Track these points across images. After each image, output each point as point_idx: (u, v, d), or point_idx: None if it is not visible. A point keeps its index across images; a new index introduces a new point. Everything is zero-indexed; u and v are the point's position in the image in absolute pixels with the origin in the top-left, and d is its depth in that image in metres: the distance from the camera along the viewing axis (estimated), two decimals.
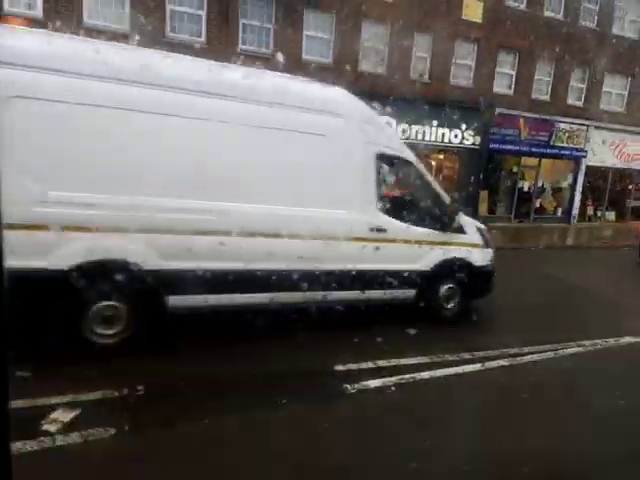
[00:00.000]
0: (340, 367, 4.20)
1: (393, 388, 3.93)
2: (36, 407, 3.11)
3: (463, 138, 16.08)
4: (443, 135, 15.75)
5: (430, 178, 6.11)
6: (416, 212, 5.73)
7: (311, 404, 3.62)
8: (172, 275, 4.16)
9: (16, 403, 2.83)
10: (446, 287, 5.85)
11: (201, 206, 4.24)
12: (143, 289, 4.11)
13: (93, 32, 11.16)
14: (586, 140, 18.49)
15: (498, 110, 16.39)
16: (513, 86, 17.01)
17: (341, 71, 13.93)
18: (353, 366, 4.24)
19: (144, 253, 4.10)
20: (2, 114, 3.48)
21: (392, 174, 6.13)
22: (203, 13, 12.44)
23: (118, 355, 3.93)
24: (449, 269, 5.77)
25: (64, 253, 3.83)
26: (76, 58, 3.89)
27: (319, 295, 4.84)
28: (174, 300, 4.31)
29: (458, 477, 2.91)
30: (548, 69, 17.47)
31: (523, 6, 16.49)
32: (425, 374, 4.22)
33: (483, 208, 17.45)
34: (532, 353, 5.00)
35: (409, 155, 5.85)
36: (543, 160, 18.14)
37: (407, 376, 4.13)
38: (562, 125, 17.87)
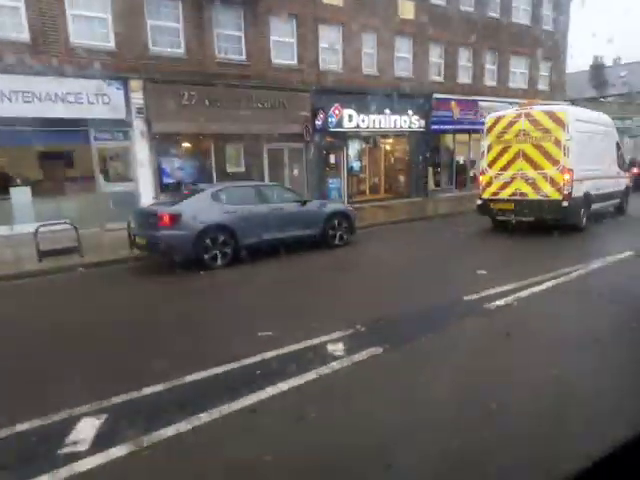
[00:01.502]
0: (472, 296, 5.70)
1: (515, 303, 5.50)
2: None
3: (411, 123, 18.17)
4: (395, 121, 17.68)
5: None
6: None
7: (473, 318, 5.06)
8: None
9: None
10: None
11: (599, 167, 10.91)
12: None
13: (78, 50, 11.29)
14: None
15: (435, 95, 18.72)
16: (443, 73, 19.46)
17: (305, 71, 15.22)
18: (475, 296, 5.75)
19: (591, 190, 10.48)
20: (572, 132, 9.72)
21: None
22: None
23: None
24: None
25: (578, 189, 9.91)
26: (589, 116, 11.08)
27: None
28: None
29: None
30: (467, 56, 20.20)
31: (443, 3, 18.89)
32: (525, 292, 5.85)
33: (431, 182, 19.84)
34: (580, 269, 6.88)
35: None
36: (472, 135, 20.97)
37: (515, 295, 5.73)
38: (483, 104, 20.78)
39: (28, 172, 11.70)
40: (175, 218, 7.81)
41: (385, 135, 18.21)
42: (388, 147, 18.95)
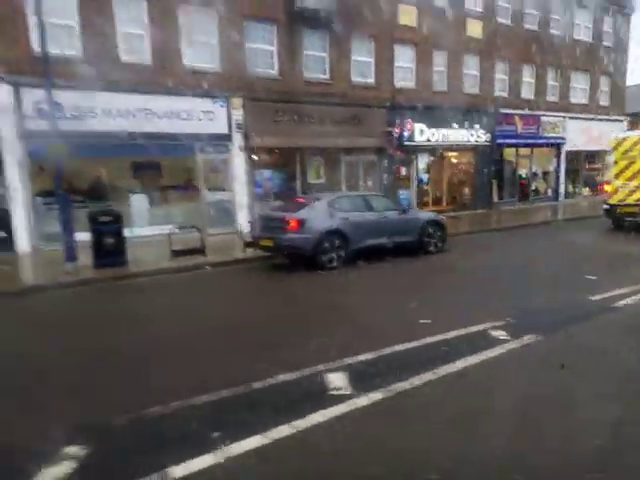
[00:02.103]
0: (596, 296, 6.38)
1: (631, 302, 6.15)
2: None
3: (477, 137, 18.82)
4: (462, 135, 18.38)
5: None
6: None
7: (607, 313, 5.74)
8: None
9: None
10: None
11: None
12: None
13: (190, 72, 12.59)
14: (563, 129, 22.02)
15: (500, 111, 19.33)
16: (507, 89, 20.06)
17: (381, 89, 16.19)
18: (599, 296, 6.42)
19: None
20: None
21: None
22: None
23: None
24: None
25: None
26: None
27: None
28: None
29: None
30: (531, 72, 20.75)
31: (509, 22, 19.57)
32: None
33: (494, 195, 20.35)
34: None
35: None
36: (534, 149, 21.42)
37: (633, 297, 6.37)
38: (545, 118, 21.22)
39: (144, 181, 13.06)
40: (301, 223, 8.81)
41: (451, 148, 18.92)
42: (454, 160, 19.63)
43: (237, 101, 13.46)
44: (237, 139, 13.70)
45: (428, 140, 17.46)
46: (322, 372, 4.17)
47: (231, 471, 2.84)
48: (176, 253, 10.22)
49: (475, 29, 18.37)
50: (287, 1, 14.04)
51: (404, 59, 16.89)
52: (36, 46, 10.98)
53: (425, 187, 18.98)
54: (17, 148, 10.94)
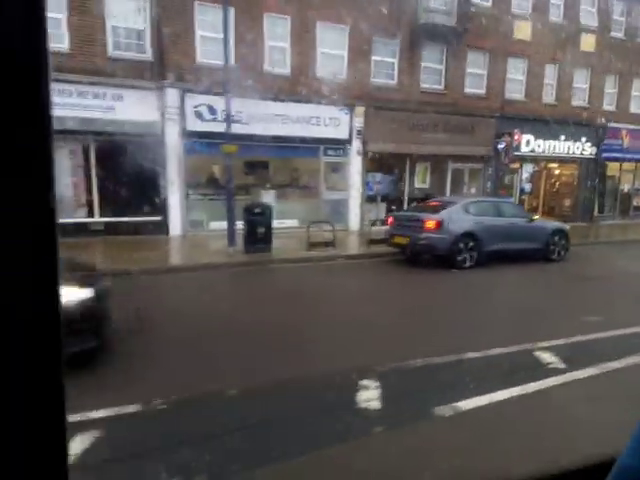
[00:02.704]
0: None
1: None
2: None
3: (583, 149, 18.71)
4: (568, 147, 18.37)
5: None
6: None
7: None
8: None
9: None
10: None
11: None
12: None
13: (321, 82, 13.70)
14: None
15: (608, 124, 19.07)
16: (615, 103, 19.72)
17: (491, 100, 16.62)
18: None
19: None
20: None
21: None
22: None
23: None
24: None
25: None
26: None
27: None
28: None
29: None
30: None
31: (622, 35, 19.26)
32: None
33: (595, 208, 20.07)
34: None
35: None
36: (639, 164, 20.83)
37: None
38: None
39: (274, 179, 14.42)
40: (439, 224, 9.60)
41: (555, 160, 18.92)
42: (556, 171, 19.61)
43: (360, 109, 14.48)
44: (356, 144, 14.73)
45: (533, 151, 17.65)
46: (531, 350, 4.95)
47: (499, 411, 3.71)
48: (311, 245, 11.36)
49: (588, 43, 18.28)
50: (411, 17, 14.90)
51: (516, 71, 17.21)
52: (199, 57, 12.63)
53: (522, 197, 19.13)
54: (178, 146, 12.57)
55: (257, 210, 10.81)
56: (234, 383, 4.07)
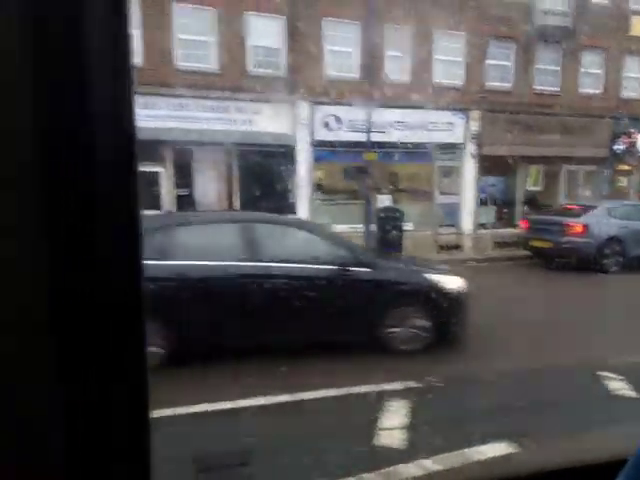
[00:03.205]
0: None
1: None
2: None
3: None
4: None
5: None
6: None
7: None
8: None
9: None
10: None
11: None
12: None
13: (437, 88, 14.06)
14: None
15: None
16: None
17: (608, 99, 16.16)
18: None
19: None
20: None
21: None
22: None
23: None
24: None
25: None
26: None
27: None
28: None
29: None
30: None
31: None
32: None
33: None
34: None
35: None
36: None
37: None
38: None
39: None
40: (584, 228, 9.65)
41: None
42: None
43: (475, 113, 14.68)
44: (470, 148, 14.92)
45: None
46: None
47: None
48: (441, 247, 11.75)
49: None
50: (527, 20, 14.88)
51: (632, 70, 16.60)
52: (328, 71, 13.45)
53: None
54: (307, 154, 13.45)
55: (389, 214, 11.38)
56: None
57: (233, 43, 12.54)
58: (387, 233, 11.23)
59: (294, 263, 4.33)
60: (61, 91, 0.44)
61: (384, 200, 14.67)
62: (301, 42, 12.95)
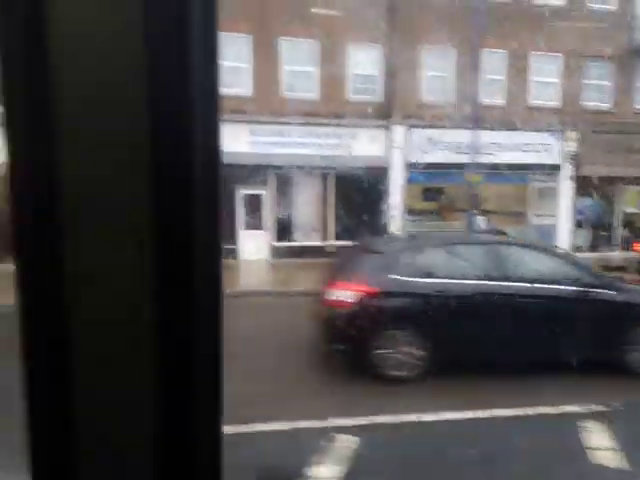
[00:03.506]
0: None
1: None
2: None
3: None
4: None
5: None
6: None
7: None
8: None
9: None
10: None
11: None
12: None
13: (532, 109, 13.88)
14: None
15: None
16: None
17: None
18: None
19: None
20: None
21: None
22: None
23: None
24: None
25: None
26: None
27: None
28: None
29: None
30: None
31: None
32: None
33: None
34: None
35: None
36: None
37: None
38: None
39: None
40: None
41: None
42: None
43: (572, 134, 14.37)
44: (566, 168, 14.57)
45: None
46: None
47: None
48: None
49: None
50: (627, 39, 14.52)
51: None
52: (422, 95, 13.76)
53: None
54: (400, 176, 13.72)
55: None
56: None
57: (334, 72, 13.18)
58: None
59: (541, 283, 4.61)
60: (172, 119, 0.48)
61: (480, 221, 14.60)
62: (397, 68, 13.38)
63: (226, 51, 12.60)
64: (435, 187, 15.00)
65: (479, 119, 13.52)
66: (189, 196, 0.49)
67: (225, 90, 12.47)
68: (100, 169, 0.48)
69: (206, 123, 0.50)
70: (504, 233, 11.58)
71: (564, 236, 14.86)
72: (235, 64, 12.54)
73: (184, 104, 0.48)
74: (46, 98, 0.46)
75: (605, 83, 14.80)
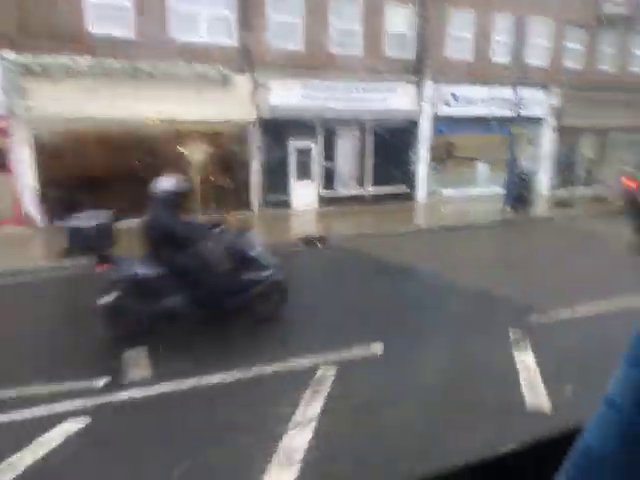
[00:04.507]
0: None
1: None
2: None
3: None
4: None
5: None
6: None
7: None
8: None
9: None
10: None
11: None
12: None
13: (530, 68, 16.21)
14: None
15: None
16: None
17: None
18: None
19: None
20: None
21: None
22: None
23: None
24: None
25: None
26: None
27: None
28: None
29: None
30: None
31: None
32: None
33: None
34: None
35: None
36: None
37: None
38: None
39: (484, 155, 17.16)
40: None
41: None
42: None
43: (556, 90, 17.04)
44: (550, 121, 17.34)
45: None
46: None
47: None
48: (555, 204, 14.25)
49: None
50: (595, 9, 17.16)
51: None
52: (449, 54, 15.35)
53: None
54: (428, 128, 15.40)
55: (524, 177, 13.59)
56: None
57: (374, 30, 14.14)
58: (522, 192, 13.39)
59: None
60: None
61: (482, 167, 16.96)
62: (427, 28, 14.70)
63: (279, 7, 13.00)
64: (457, 140, 16.77)
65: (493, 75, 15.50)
66: None
67: (279, 45, 13.04)
68: None
69: None
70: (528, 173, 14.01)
71: (547, 179, 17.83)
72: (288, 19, 13.05)
73: None
74: None
75: (579, 47, 17.52)
